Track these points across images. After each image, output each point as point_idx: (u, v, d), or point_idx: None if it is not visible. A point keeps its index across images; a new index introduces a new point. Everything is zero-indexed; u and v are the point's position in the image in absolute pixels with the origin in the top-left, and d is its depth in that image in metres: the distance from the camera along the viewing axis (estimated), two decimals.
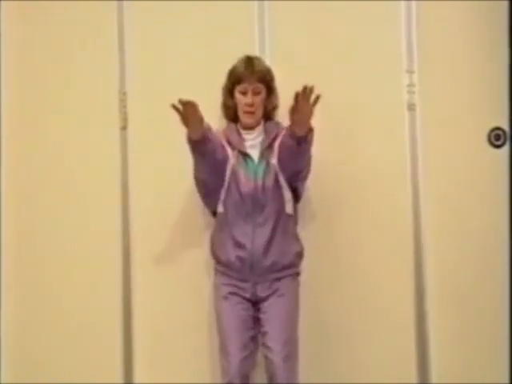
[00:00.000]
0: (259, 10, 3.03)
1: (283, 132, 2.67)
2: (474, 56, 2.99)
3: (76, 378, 3.02)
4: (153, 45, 3.07)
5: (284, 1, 3.02)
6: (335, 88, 2.95)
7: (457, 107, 2.98)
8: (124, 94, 3.07)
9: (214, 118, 2.81)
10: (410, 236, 2.97)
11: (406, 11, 3.00)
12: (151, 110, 3.03)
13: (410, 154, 2.98)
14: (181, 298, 2.99)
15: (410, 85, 2.98)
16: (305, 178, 2.76)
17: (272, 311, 2.67)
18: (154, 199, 3.03)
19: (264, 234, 2.68)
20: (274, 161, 2.70)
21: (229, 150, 2.74)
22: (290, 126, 2.56)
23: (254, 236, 2.68)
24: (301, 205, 2.84)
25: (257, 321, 2.70)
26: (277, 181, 2.70)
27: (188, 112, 2.52)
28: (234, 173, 2.71)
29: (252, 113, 2.76)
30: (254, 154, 2.75)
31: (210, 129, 2.63)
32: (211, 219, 2.85)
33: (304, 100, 2.46)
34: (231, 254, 2.70)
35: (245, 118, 2.79)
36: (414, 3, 2.99)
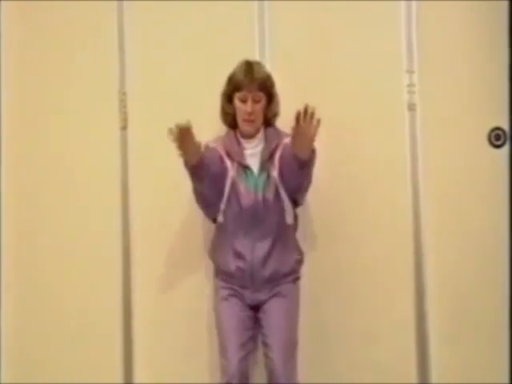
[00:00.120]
0: (259, 10, 3.03)
1: (285, 146, 2.64)
2: (474, 56, 2.99)
3: (76, 378, 3.02)
4: (153, 45, 3.07)
5: (284, 1, 3.02)
6: (335, 88, 2.95)
7: (457, 107, 2.98)
8: (124, 94, 3.07)
9: (213, 120, 2.81)
10: (410, 236, 2.97)
11: (406, 11, 2.99)
12: (151, 109, 3.03)
13: (409, 154, 2.98)
14: (181, 298, 2.99)
15: (410, 85, 2.98)
16: (306, 190, 2.72)
17: (272, 311, 2.67)
18: (154, 199, 3.03)
19: (264, 246, 2.66)
20: (274, 173, 2.66)
21: (228, 163, 2.70)
22: (293, 150, 2.53)
23: (253, 248, 2.66)
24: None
25: (256, 320, 2.70)
26: (277, 193, 2.67)
27: (184, 139, 2.49)
28: (234, 185, 2.68)
29: (252, 121, 2.70)
30: (254, 164, 2.71)
31: (206, 148, 2.61)
32: None
33: (306, 123, 2.43)
34: (231, 264, 2.69)
35: (244, 126, 2.73)
36: (414, 3, 2.99)
